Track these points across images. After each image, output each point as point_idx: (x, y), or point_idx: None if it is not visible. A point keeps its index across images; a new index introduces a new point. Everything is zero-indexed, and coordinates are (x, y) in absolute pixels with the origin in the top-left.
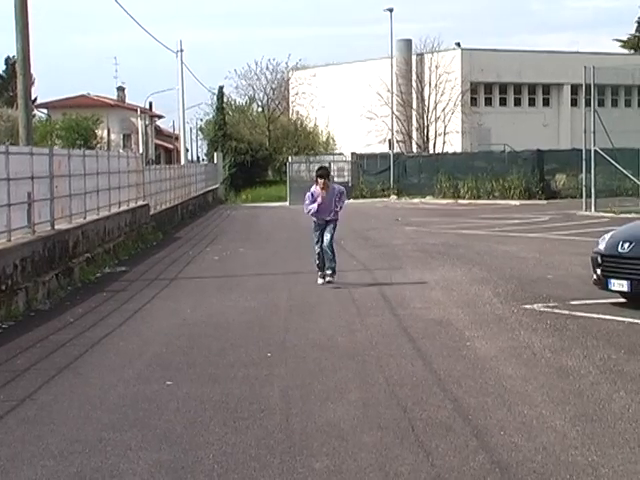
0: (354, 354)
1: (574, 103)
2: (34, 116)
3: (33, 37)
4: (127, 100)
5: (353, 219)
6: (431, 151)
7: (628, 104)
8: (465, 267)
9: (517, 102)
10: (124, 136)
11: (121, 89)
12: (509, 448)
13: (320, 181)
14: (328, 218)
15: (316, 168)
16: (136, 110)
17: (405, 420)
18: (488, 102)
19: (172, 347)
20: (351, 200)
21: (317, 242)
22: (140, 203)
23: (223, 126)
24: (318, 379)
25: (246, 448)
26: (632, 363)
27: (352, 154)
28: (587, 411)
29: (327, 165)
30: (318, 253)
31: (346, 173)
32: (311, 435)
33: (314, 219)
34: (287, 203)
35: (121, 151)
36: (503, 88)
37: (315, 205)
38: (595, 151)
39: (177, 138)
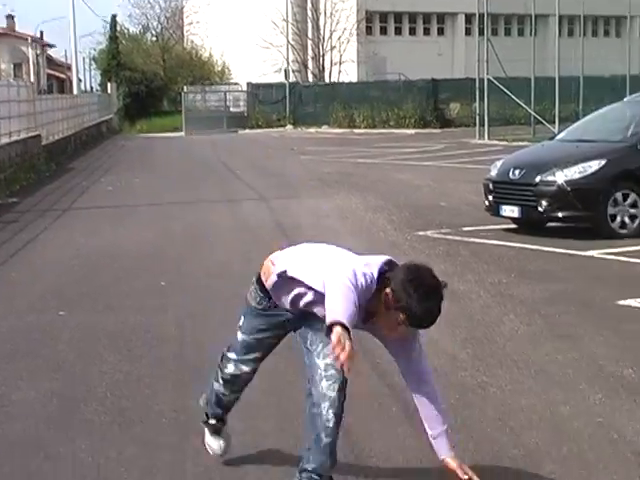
0: (249, 282)
1: (468, 32)
2: None
3: None
4: (17, 29)
5: (249, 149)
6: (327, 80)
7: (521, 33)
8: (360, 195)
9: (412, 31)
10: (14, 65)
11: (10, 17)
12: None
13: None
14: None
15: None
16: (27, 39)
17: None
18: (383, 31)
19: (65, 277)
20: (247, 130)
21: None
22: (32, 134)
23: (117, 56)
24: (213, 307)
25: (139, 377)
26: (522, 287)
27: (248, 84)
28: (477, 334)
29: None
30: (230, 377)
31: (242, 103)
32: (204, 364)
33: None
34: (183, 133)
35: (11, 80)
36: (398, 17)
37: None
38: (488, 80)
39: (70, 68)
